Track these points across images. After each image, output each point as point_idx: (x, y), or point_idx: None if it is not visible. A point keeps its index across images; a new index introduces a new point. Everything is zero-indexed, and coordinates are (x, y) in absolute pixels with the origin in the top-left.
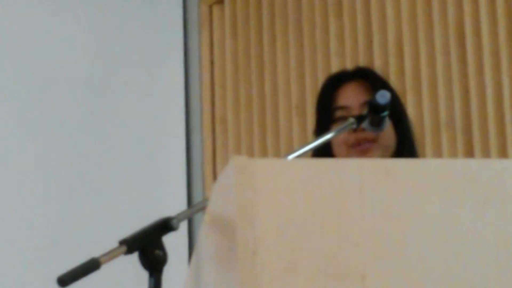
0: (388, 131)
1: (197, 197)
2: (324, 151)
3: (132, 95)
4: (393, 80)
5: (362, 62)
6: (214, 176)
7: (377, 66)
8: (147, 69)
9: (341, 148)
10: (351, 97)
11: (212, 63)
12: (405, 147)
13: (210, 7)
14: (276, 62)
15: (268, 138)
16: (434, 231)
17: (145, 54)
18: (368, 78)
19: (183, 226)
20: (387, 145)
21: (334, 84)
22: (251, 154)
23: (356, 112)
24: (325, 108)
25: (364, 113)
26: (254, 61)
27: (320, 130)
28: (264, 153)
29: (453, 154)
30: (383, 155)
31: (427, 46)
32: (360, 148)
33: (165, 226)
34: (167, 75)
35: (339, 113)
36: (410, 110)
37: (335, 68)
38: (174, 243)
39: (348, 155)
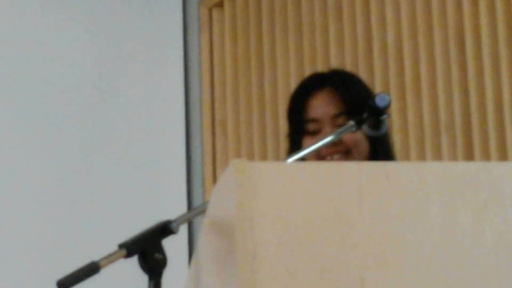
0: (360, 139)
1: (197, 200)
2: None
3: (132, 97)
4: (393, 83)
5: (361, 65)
6: (214, 179)
7: (377, 69)
8: (147, 71)
9: (312, 157)
10: (322, 109)
11: (212, 65)
12: (379, 153)
13: (210, 10)
14: (276, 65)
15: (268, 141)
16: (433, 234)
17: (145, 57)
18: (340, 87)
19: (183, 229)
20: (361, 155)
21: (304, 93)
22: (251, 157)
23: (327, 125)
24: (296, 118)
25: (364, 116)
26: (253, 64)
27: (292, 138)
28: (264, 156)
29: (453, 157)
30: None
31: (427, 49)
32: (333, 161)
33: (164, 229)
34: (167, 77)
35: (310, 127)
36: (410, 113)
37: None
38: (174, 246)
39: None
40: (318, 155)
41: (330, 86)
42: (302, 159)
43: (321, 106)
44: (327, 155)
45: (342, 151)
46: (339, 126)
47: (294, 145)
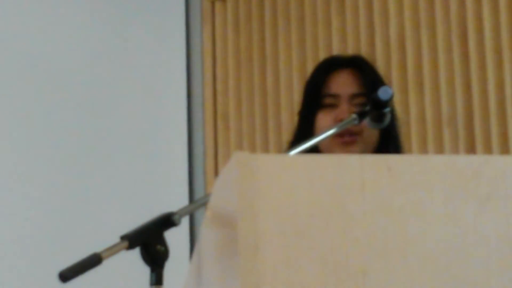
0: (368, 130)
1: (199, 193)
2: (307, 136)
3: (134, 91)
4: (395, 77)
5: None
6: (216, 172)
7: (379, 62)
8: (150, 65)
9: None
10: (342, 86)
11: (214, 59)
12: (390, 144)
13: (212, 3)
14: (278, 58)
15: (270, 134)
16: (435, 227)
17: (148, 50)
18: (362, 69)
19: (185, 222)
20: (369, 140)
21: (327, 68)
22: (253, 149)
23: (344, 102)
24: (314, 91)
25: (366, 108)
26: (256, 57)
27: (306, 112)
28: (266, 149)
29: (455, 151)
30: (365, 150)
31: (430, 42)
32: (343, 139)
33: (166, 221)
34: (169, 71)
35: (328, 101)
36: (412, 106)
37: None
38: (175, 238)
39: (330, 145)
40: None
41: (352, 67)
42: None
43: (342, 83)
44: (338, 134)
45: (353, 131)
46: (356, 105)
47: (306, 122)
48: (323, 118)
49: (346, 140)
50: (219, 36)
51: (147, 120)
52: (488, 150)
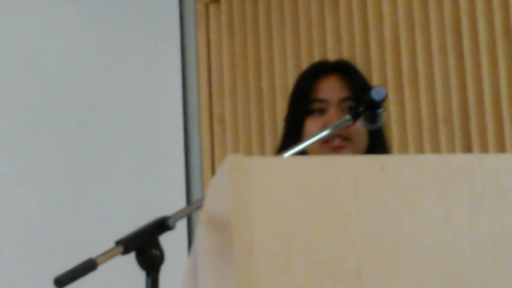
0: (361, 130)
1: (196, 196)
2: (294, 143)
3: (130, 94)
4: (390, 77)
5: (359, 58)
6: (213, 174)
7: (374, 63)
8: (145, 68)
9: (313, 142)
10: (330, 91)
11: (209, 61)
12: (378, 146)
13: (207, 5)
14: (273, 60)
15: (266, 136)
16: (429, 226)
17: (142, 53)
18: (349, 73)
19: (183, 225)
20: (360, 145)
21: (314, 74)
22: (249, 152)
23: (333, 107)
24: (302, 97)
25: (360, 109)
26: (251, 59)
27: (293, 118)
28: (262, 151)
29: (451, 150)
30: (355, 154)
31: (424, 41)
32: (333, 144)
33: (161, 225)
34: (165, 74)
35: (316, 106)
36: (408, 106)
37: None
38: (173, 242)
39: (319, 150)
40: (320, 139)
41: (338, 73)
42: (302, 152)
43: (330, 88)
44: (328, 138)
45: (344, 136)
46: (344, 110)
47: (294, 127)
48: (311, 123)
49: (336, 145)
50: (214, 38)
51: (144, 124)
52: (484, 149)
